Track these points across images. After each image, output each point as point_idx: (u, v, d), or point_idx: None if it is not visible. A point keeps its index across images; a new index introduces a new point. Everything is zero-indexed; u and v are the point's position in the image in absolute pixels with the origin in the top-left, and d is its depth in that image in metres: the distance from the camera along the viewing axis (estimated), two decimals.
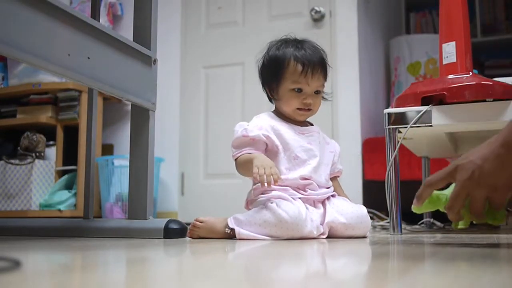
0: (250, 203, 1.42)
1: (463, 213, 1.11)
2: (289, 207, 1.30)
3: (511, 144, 0.95)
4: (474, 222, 1.22)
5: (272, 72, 1.48)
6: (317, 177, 1.43)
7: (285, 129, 1.45)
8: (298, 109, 1.46)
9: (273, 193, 1.35)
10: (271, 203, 1.31)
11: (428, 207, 1.19)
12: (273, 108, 1.55)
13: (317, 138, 1.49)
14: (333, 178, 1.55)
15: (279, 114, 1.51)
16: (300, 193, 1.39)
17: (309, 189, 1.41)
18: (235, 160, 1.43)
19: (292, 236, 1.29)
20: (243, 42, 3.14)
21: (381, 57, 3.54)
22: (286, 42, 1.51)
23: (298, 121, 1.50)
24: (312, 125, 1.55)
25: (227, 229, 1.33)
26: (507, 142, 0.95)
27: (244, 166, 1.40)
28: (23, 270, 0.62)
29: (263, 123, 1.45)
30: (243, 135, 1.42)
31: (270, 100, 1.54)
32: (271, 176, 1.29)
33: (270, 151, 1.43)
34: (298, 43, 1.49)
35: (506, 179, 0.94)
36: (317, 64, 1.46)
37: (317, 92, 1.47)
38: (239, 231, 1.30)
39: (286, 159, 1.42)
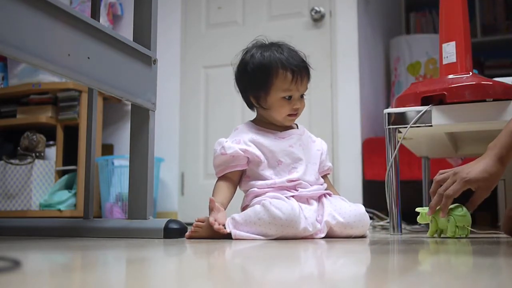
0: (244, 210, 1.42)
1: (434, 219, 1.38)
2: (281, 204, 1.30)
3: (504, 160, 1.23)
4: (441, 233, 1.40)
5: (259, 81, 1.45)
6: (306, 177, 1.44)
7: (264, 138, 1.46)
8: (288, 115, 1.47)
9: (267, 194, 1.37)
10: (265, 202, 1.32)
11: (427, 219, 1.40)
12: (253, 117, 1.55)
13: (298, 140, 1.49)
14: (324, 176, 1.55)
15: (259, 122, 1.51)
16: (292, 192, 1.40)
17: (300, 188, 1.42)
18: (217, 178, 1.46)
19: (287, 233, 1.29)
20: (243, 42, 3.13)
21: (381, 57, 3.54)
22: (264, 47, 1.49)
23: (279, 126, 1.50)
24: (295, 127, 1.55)
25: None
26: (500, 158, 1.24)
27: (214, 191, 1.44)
28: (23, 270, 0.62)
29: (241, 137, 1.46)
30: (221, 153, 1.43)
31: (252, 108, 1.53)
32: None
33: (252, 162, 1.44)
34: (278, 48, 1.48)
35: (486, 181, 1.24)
36: (302, 68, 1.45)
37: (302, 95, 1.48)
38: (235, 233, 1.31)
39: (270, 166, 1.44)
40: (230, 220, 1.34)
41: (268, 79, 1.44)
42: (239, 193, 1.48)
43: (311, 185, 1.44)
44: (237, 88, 1.53)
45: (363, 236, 1.42)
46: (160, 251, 1.03)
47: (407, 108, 1.59)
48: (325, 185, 1.49)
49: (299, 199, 1.39)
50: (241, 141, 1.44)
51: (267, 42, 1.51)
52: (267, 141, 1.45)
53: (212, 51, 3.23)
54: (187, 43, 3.31)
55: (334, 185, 2.86)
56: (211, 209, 1.35)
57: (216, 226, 1.30)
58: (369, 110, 3.10)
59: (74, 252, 0.99)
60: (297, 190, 1.41)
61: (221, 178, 1.45)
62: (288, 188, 1.41)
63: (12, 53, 1.04)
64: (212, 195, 1.41)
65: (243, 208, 1.43)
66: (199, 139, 3.20)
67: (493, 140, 1.30)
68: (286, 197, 1.35)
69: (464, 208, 1.35)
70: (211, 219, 1.31)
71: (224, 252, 1.02)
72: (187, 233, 1.39)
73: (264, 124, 1.50)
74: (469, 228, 1.36)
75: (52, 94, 2.96)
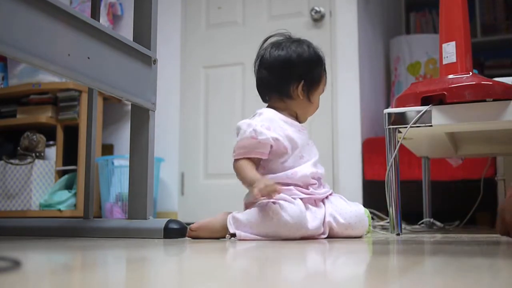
0: (249, 206, 1.38)
1: None
2: (290, 208, 1.28)
3: None
4: None
5: (316, 73, 1.46)
6: (320, 171, 1.43)
7: (290, 127, 1.42)
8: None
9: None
10: (273, 204, 1.29)
11: None
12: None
13: (309, 137, 1.49)
14: None
15: (280, 111, 1.45)
16: (303, 192, 1.36)
17: (312, 188, 1.39)
18: (236, 160, 1.38)
19: (293, 236, 1.28)
20: (243, 42, 3.14)
21: (381, 57, 3.54)
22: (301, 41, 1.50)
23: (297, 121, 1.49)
24: None
25: (227, 235, 1.32)
26: None
27: (242, 174, 1.36)
28: (23, 270, 0.62)
29: (271, 124, 1.39)
30: (252, 136, 1.36)
31: (283, 97, 1.45)
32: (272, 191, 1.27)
33: (275, 152, 1.38)
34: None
35: None
36: None
37: None
38: (240, 234, 1.29)
39: (293, 158, 1.39)
40: (231, 219, 1.32)
41: (321, 73, 1.47)
42: (243, 189, 1.42)
43: (321, 185, 1.43)
44: (280, 72, 1.44)
45: (359, 237, 1.42)
46: (160, 251, 1.03)
47: (407, 108, 1.59)
48: (329, 186, 1.48)
49: (308, 200, 1.36)
50: (271, 128, 1.38)
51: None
52: (294, 133, 1.41)
53: (212, 51, 3.23)
54: (187, 43, 3.31)
55: (335, 184, 2.87)
56: (253, 182, 1.30)
57: (272, 188, 1.26)
58: (369, 110, 3.10)
59: (74, 252, 0.99)
60: (308, 190, 1.38)
61: (243, 159, 1.37)
62: (302, 186, 1.37)
63: (12, 53, 1.04)
64: (242, 173, 1.35)
65: (248, 204, 1.38)
66: (199, 139, 3.20)
67: None
68: (294, 198, 1.32)
69: None
70: (261, 185, 1.26)
71: (224, 252, 1.02)
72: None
73: (286, 114, 1.46)
74: None
75: (52, 94, 2.96)
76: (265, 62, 1.46)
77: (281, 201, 1.30)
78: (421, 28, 3.94)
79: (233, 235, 1.30)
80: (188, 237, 1.37)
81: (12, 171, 2.88)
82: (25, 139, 2.91)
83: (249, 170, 1.35)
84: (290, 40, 1.48)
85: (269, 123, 1.39)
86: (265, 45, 1.49)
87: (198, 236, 1.35)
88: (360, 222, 1.40)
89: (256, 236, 1.28)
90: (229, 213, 1.35)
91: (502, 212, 1.23)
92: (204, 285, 0.55)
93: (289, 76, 1.44)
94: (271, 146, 1.37)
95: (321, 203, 1.40)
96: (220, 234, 1.34)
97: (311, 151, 1.45)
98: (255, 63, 1.50)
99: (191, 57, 3.28)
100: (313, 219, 1.32)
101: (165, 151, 3.13)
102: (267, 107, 1.49)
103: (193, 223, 1.38)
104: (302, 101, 1.46)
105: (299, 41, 1.48)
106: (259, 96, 1.55)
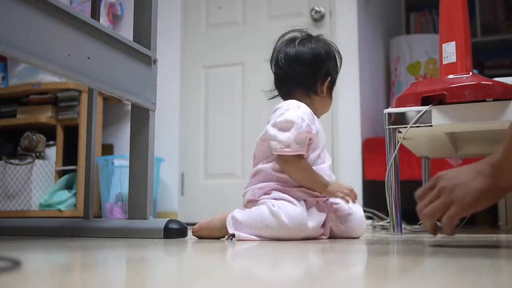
0: (250, 203, 1.36)
1: None
2: (291, 210, 1.27)
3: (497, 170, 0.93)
4: None
5: (337, 70, 1.49)
6: (333, 177, 1.44)
7: (318, 123, 1.42)
8: None
9: (275, 193, 1.32)
10: (273, 206, 1.27)
11: None
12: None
13: None
14: None
15: None
16: (311, 194, 1.35)
17: None
18: (292, 155, 1.31)
19: (294, 237, 1.27)
20: (243, 42, 3.14)
21: (381, 57, 3.54)
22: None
23: None
24: None
25: (227, 236, 1.31)
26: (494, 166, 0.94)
27: (310, 176, 1.34)
28: (23, 270, 0.62)
29: (312, 117, 1.37)
30: (308, 130, 1.32)
31: (310, 93, 1.43)
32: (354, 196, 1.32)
33: (308, 147, 1.36)
34: None
35: (472, 198, 0.95)
36: None
37: None
38: (239, 235, 1.27)
39: (315, 155, 1.38)
40: (230, 219, 1.30)
41: (339, 69, 1.50)
42: (243, 189, 1.43)
43: None
44: (310, 67, 1.42)
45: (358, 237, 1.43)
46: (160, 251, 1.03)
47: (407, 108, 1.59)
48: None
49: (312, 202, 1.35)
50: (312, 121, 1.36)
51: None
52: (320, 128, 1.41)
53: (212, 51, 3.23)
54: (187, 43, 3.31)
55: None
56: (327, 184, 1.33)
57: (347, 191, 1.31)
58: (369, 110, 3.10)
59: (74, 252, 0.99)
60: (315, 191, 1.36)
61: (301, 157, 1.33)
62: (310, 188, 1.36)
63: (12, 53, 1.04)
64: (311, 175, 1.33)
65: (249, 202, 1.36)
66: (199, 139, 3.20)
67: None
68: (298, 199, 1.31)
69: None
70: (346, 190, 1.31)
71: (224, 252, 1.02)
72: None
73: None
74: None
75: (52, 94, 2.96)
76: (292, 57, 1.42)
77: (282, 202, 1.29)
78: (421, 28, 3.94)
79: (233, 235, 1.30)
80: (193, 236, 1.37)
81: (12, 171, 2.88)
82: (25, 139, 2.91)
83: (314, 171, 1.35)
84: (314, 37, 1.48)
85: (312, 116, 1.38)
86: (284, 40, 1.48)
87: (200, 236, 1.35)
88: (360, 225, 1.40)
89: (255, 237, 1.27)
90: (230, 212, 1.34)
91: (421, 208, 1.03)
92: (204, 285, 0.55)
93: (319, 72, 1.44)
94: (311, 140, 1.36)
95: (324, 205, 1.39)
96: (221, 233, 1.33)
97: (326, 153, 1.45)
98: (274, 57, 1.47)
99: (191, 57, 3.28)
100: (314, 220, 1.31)
101: (165, 151, 3.13)
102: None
103: (194, 223, 1.38)
104: (325, 97, 1.46)
105: (322, 39, 1.49)
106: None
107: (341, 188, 1.33)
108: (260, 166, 1.38)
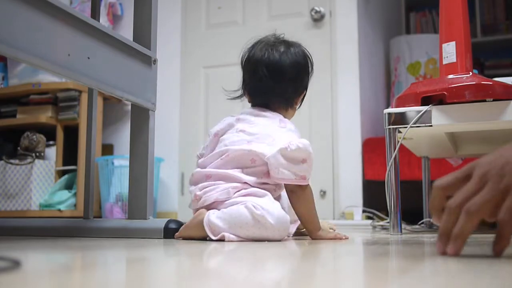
0: (219, 204, 1.26)
1: None
2: (276, 211, 1.19)
3: None
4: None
5: (310, 78, 1.45)
6: None
7: None
8: None
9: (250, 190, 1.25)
10: (252, 206, 1.18)
11: None
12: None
13: None
14: None
15: None
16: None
17: None
18: (307, 185, 1.27)
19: (278, 238, 1.20)
20: (243, 42, 3.13)
21: (381, 57, 3.55)
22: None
23: None
24: None
25: (208, 238, 1.21)
26: None
27: (312, 211, 1.29)
28: (23, 270, 0.62)
29: None
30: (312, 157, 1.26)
31: (291, 106, 1.41)
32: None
33: None
34: None
35: None
36: None
37: None
38: (229, 237, 1.17)
39: None
40: (208, 226, 1.19)
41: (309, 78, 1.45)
42: None
43: None
44: (293, 81, 1.38)
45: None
46: (160, 251, 1.03)
47: (407, 108, 1.59)
48: None
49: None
50: None
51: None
52: None
53: (212, 51, 3.23)
54: (187, 43, 3.31)
55: (335, 184, 2.87)
56: (320, 225, 1.29)
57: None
58: (369, 110, 3.10)
59: (74, 252, 0.99)
60: None
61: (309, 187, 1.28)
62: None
63: (12, 53, 1.04)
64: (314, 213, 1.29)
65: (217, 202, 1.26)
66: (199, 139, 3.20)
67: None
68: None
69: None
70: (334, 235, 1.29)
71: (224, 252, 1.02)
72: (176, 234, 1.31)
73: None
74: None
75: (52, 94, 2.96)
76: (276, 71, 1.37)
77: (262, 200, 1.20)
78: (421, 28, 3.94)
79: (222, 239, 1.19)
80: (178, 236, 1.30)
81: (12, 171, 2.88)
82: (25, 139, 2.91)
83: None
84: (294, 47, 1.41)
85: None
86: (261, 48, 1.43)
87: (183, 236, 1.28)
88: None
89: (240, 237, 1.18)
90: (202, 214, 1.23)
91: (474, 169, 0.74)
92: (204, 285, 0.55)
93: (301, 85, 1.42)
94: None
95: None
96: (200, 235, 1.23)
97: None
98: (252, 67, 1.41)
99: (191, 57, 3.28)
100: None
101: (165, 151, 3.13)
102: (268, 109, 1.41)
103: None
104: (295, 110, 1.44)
105: (301, 48, 1.43)
106: (237, 94, 1.50)
107: (332, 235, 1.30)
108: (237, 174, 1.27)
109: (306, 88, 1.44)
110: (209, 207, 1.26)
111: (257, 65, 1.40)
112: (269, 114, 1.38)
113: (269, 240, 1.19)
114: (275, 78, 1.37)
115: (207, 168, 1.35)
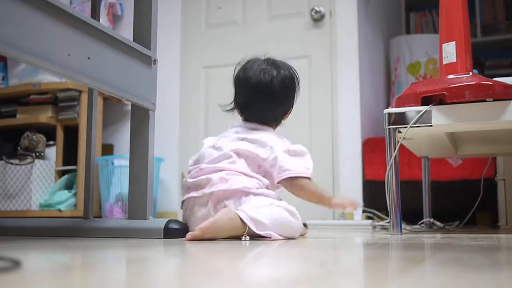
0: (241, 193, 1.37)
1: None
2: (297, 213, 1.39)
3: None
4: None
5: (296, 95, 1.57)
6: None
7: None
8: None
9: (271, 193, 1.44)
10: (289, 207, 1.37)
11: None
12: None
13: None
14: None
15: None
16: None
17: None
18: (309, 177, 1.43)
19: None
20: (243, 42, 3.14)
21: (381, 57, 3.54)
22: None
23: None
24: None
25: (244, 236, 1.26)
26: None
27: (319, 190, 1.44)
28: (23, 270, 0.62)
29: None
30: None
31: (279, 123, 1.57)
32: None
33: None
34: None
35: None
36: None
37: None
38: (275, 236, 1.29)
39: None
40: (249, 220, 1.25)
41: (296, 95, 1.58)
42: None
43: None
44: (285, 106, 1.56)
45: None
46: (160, 251, 1.03)
47: (407, 108, 1.60)
48: None
49: None
50: None
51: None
52: None
53: (212, 51, 3.23)
54: (187, 43, 3.31)
55: (335, 184, 2.87)
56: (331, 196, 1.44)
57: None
58: (369, 110, 3.10)
59: (74, 252, 0.99)
60: None
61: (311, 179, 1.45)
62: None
63: (12, 53, 1.04)
64: (319, 189, 1.44)
65: (238, 192, 1.38)
66: (199, 139, 3.20)
67: None
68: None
69: None
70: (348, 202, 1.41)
71: (224, 252, 1.02)
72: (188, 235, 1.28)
73: None
74: None
75: (52, 94, 2.96)
76: (277, 96, 1.51)
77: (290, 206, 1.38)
78: (421, 28, 3.94)
79: (259, 236, 1.26)
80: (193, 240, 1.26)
81: (12, 171, 2.88)
82: (25, 139, 2.91)
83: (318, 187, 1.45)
84: (287, 69, 1.54)
85: None
86: (255, 68, 1.52)
87: (203, 238, 1.25)
88: None
89: (279, 236, 1.31)
90: (232, 212, 1.28)
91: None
92: (204, 285, 0.55)
93: (288, 105, 1.56)
94: None
95: None
96: (228, 234, 1.27)
97: None
98: (249, 90, 1.52)
99: (191, 57, 3.28)
100: None
101: (165, 151, 3.13)
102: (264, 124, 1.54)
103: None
104: (281, 123, 1.58)
105: (292, 70, 1.55)
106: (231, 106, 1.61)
107: (346, 199, 1.44)
108: (251, 172, 1.42)
109: (292, 106, 1.58)
110: (226, 194, 1.36)
111: (251, 89, 1.52)
112: (260, 127, 1.52)
113: (290, 238, 1.34)
114: (266, 101, 1.51)
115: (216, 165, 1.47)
